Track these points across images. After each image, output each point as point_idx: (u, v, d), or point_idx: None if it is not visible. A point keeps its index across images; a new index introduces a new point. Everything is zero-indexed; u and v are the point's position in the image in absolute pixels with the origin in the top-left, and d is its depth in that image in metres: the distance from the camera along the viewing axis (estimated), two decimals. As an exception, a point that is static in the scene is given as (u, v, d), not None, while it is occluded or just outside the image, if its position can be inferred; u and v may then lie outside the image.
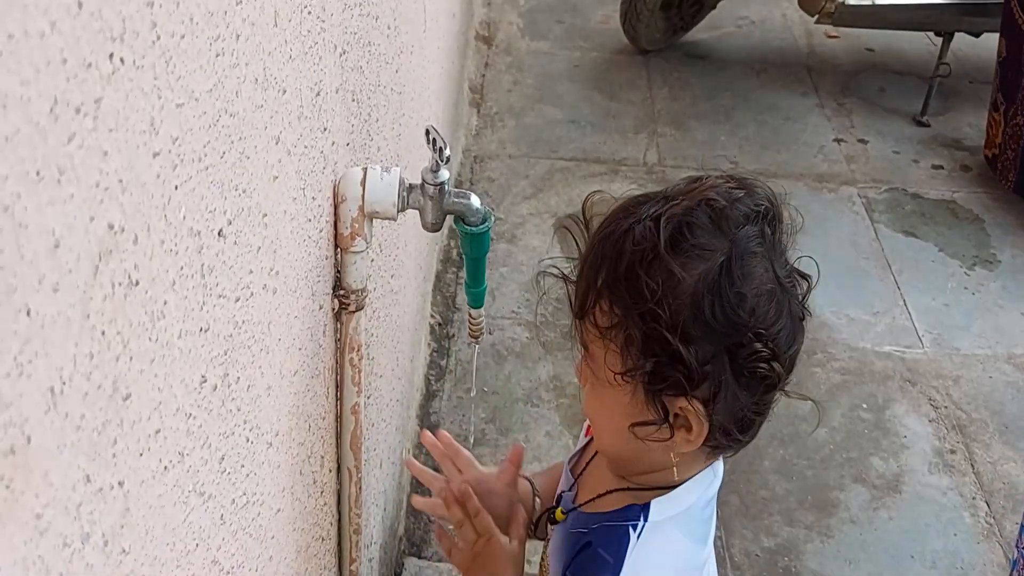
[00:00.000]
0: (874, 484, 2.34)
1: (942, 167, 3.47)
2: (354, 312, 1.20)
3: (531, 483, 1.24)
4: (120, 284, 0.55)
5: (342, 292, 1.18)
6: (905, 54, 4.10)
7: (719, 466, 1.07)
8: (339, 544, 1.32)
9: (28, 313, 0.45)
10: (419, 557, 2.10)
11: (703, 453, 0.99)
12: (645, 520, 0.99)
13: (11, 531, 0.45)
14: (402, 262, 1.88)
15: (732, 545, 2.17)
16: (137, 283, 0.57)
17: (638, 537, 0.99)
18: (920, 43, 4.10)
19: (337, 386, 1.23)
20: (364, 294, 1.19)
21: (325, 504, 1.21)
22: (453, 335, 2.72)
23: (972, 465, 2.40)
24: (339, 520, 1.31)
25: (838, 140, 3.58)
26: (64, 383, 0.49)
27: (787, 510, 2.26)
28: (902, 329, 2.78)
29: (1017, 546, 1.49)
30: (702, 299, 0.88)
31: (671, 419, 0.93)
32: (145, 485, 0.61)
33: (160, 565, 0.64)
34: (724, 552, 2.15)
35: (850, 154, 3.51)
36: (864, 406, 2.54)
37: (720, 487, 1.08)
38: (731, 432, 0.94)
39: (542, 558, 1.19)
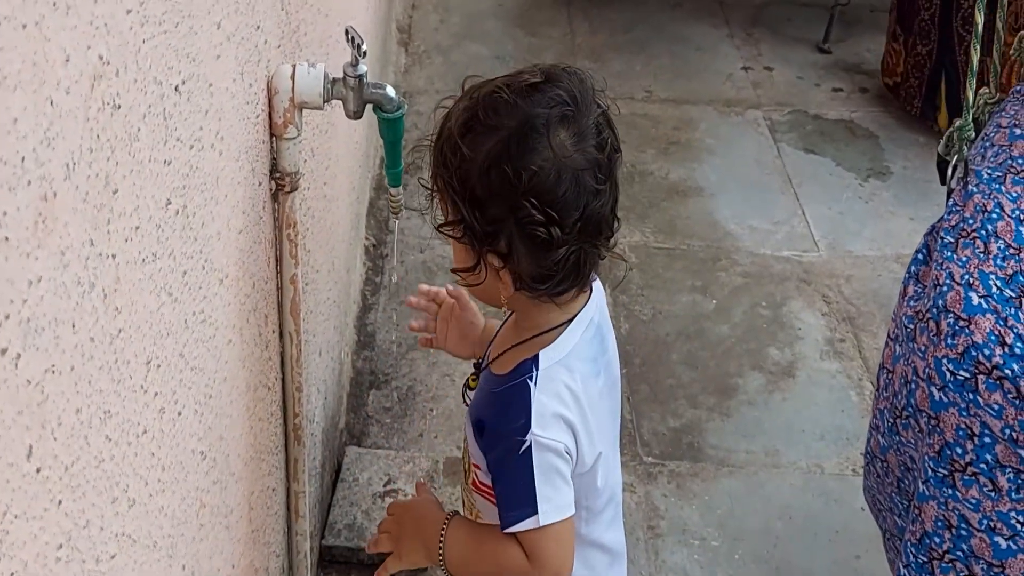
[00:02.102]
0: (770, 371, 2.60)
1: (842, 90, 3.73)
2: (289, 193, 1.39)
3: None
4: (108, 104, 0.74)
5: (278, 175, 1.37)
6: (811, -13, 4.35)
7: (593, 315, 1.26)
8: (284, 400, 1.52)
9: (52, 103, 0.64)
10: (359, 446, 2.31)
11: (531, 299, 1.19)
12: (537, 369, 1.20)
13: (45, 255, 0.64)
14: (334, 175, 2.07)
15: (642, 426, 2.41)
16: (119, 107, 0.76)
17: (535, 385, 1.19)
18: (824, -24, 4.34)
19: (277, 259, 1.43)
20: (298, 176, 1.39)
21: (270, 359, 1.41)
22: (386, 255, 2.91)
23: (860, 351, 2.67)
24: (283, 380, 1.51)
25: (746, 68, 3.82)
26: (75, 163, 0.68)
27: (691, 395, 2.51)
28: (800, 236, 3.04)
29: (879, 376, 1.73)
30: (488, 170, 1.09)
31: (483, 267, 1.15)
32: (130, 266, 0.80)
33: (142, 336, 0.84)
34: (635, 432, 2.39)
35: (756, 80, 3.75)
36: (763, 304, 2.79)
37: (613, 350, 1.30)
38: (530, 284, 1.15)
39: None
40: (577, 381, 1.22)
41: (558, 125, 1.10)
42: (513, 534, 1.19)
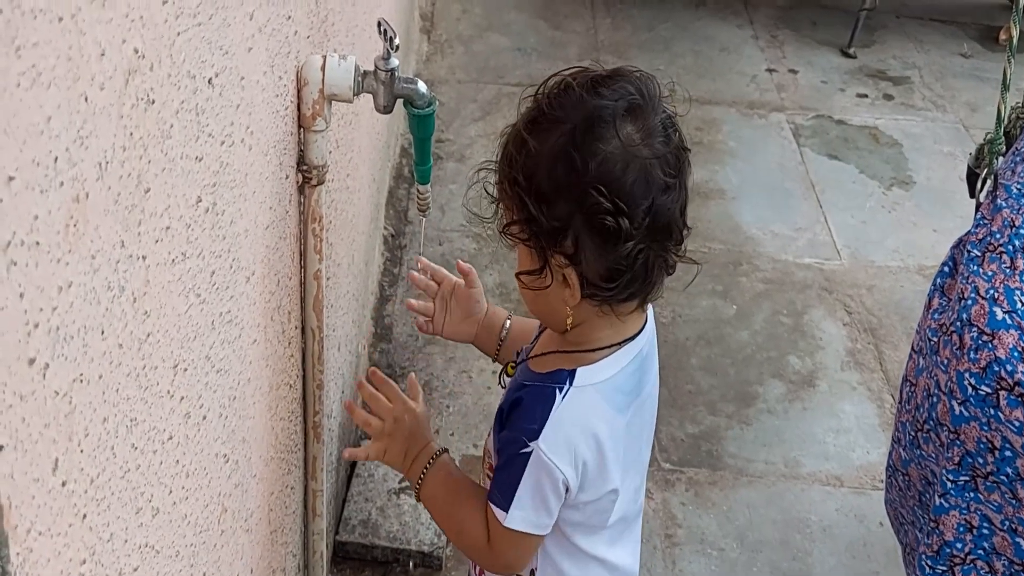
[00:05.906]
0: (790, 379, 2.56)
1: (866, 96, 3.68)
2: (315, 186, 1.36)
3: (508, 317, 1.42)
4: (141, 99, 0.71)
5: (305, 167, 1.34)
6: (837, -10, 4.30)
7: (643, 347, 1.22)
8: (304, 398, 1.49)
9: (86, 100, 0.61)
10: (373, 442, 2.28)
11: (594, 307, 1.13)
12: (570, 385, 1.15)
13: (76, 260, 0.61)
14: (356, 166, 2.04)
15: (660, 431, 2.38)
16: (153, 102, 0.73)
17: (563, 399, 1.15)
18: (852, -21, 4.29)
19: (301, 255, 1.40)
20: (324, 169, 1.35)
21: (292, 356, 1.38)
22: (405, 246, 2.88)
23: (880, 363, 2.63)
24: (304, 378, 1.48)
25: (770, 70, 3.78)
26: (108, 162, 0.65)
27: (710, 402, 2.48)
28: (822, 243, 3.00)
29: (901, 389, 1.70)
30: (553, 164, 1.06)
31: (549, 270, 1.10)
32: (160, 268, 0.77)
33: (170, 339, 0.81)
34: (653, 437, 2.35)
35: (781, 83, 3.70)
36: (784, 311, 2.76)
37: (653, 380, 1.26)
38: (599, 284, 1.10)
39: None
40: (607, 413, 1.17)
41: (625, 116, 1.06)
42: (489, 507, 1.20)
